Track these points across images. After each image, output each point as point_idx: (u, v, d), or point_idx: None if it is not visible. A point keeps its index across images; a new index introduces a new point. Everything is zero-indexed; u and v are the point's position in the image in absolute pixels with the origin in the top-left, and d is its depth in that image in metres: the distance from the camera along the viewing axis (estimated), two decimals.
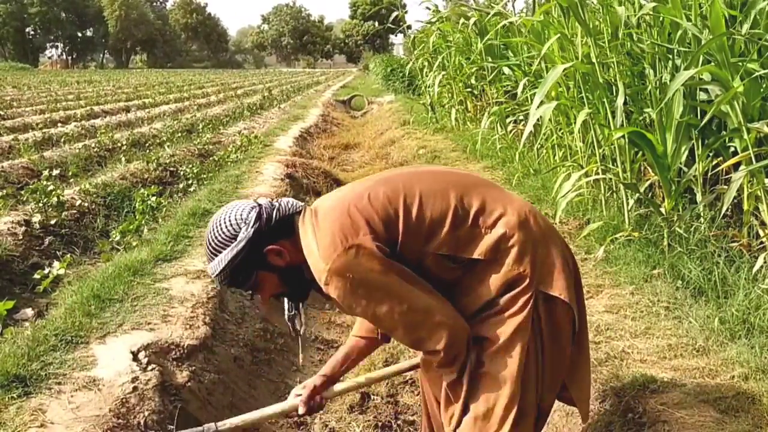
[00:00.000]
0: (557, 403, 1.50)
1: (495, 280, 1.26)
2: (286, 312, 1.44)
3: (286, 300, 1.43)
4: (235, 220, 1.29)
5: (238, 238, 1.27)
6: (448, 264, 1.27)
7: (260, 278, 1.31)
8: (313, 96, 16.29)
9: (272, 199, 1.36)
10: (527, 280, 1.25)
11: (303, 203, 1.35)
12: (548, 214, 3.47)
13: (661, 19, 2.97)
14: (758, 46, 2.51)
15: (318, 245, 1.23)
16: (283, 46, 74.90)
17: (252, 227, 1.27)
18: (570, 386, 1.39)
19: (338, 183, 5.45)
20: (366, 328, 1.51)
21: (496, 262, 1.25)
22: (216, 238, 1.29)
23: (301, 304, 1.45)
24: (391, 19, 8.78)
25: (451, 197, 1.27)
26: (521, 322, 1.24)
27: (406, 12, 8.98)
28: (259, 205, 1.32)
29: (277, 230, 1.29)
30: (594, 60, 3.15)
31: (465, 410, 1.28)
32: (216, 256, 1.29)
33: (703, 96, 2.87)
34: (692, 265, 2.47)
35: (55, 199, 3.75)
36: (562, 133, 4.21)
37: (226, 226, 1.29)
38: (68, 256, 3.09)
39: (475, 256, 1.25)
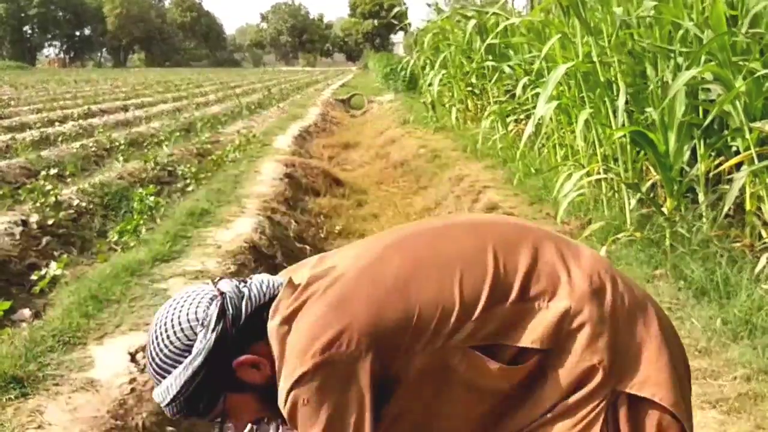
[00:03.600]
0: None
1: (560, 378, 0.86)
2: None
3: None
4: (187, 322, 0.88)
5: (194, 351, 0.87)
6: (484, 362, 0.86)
7: (230, 403, 0.91)
8: (313, 95, 16.27)
9: (239, 281, 0.93)
10: (601, 376, 0.85)
11: (281, 280, 0.93)
12: (549, 214, 3.46)
13: (661, 18, 2.96)
14: (760, 45, 2.50)
15: (290, 349, 0.85)
16: (282, 44, 74.87)
17: (212, 332, 0.86)
18: None
19: (338, 182, 5.44)
20: None
21: (558, 352, 0.86)
22: (161, 351, 0.88)
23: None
24: (392, 14, 8.77)
25: (489, 260, 0.88)
26: None
27: (406, 8, 8.99)
28: (222, 293, 0.90)
29: (248, 331, 0.88)
30: (595, 59, 3.13)
31: None
32: (162, 378, 0.88)
33: (704, 95, 2.86)
34: (694, 265, 2.47)
35: (53, 198, 3.73)
36: (564, 133, 4.20)
37: (175, 333, 0.88)
38: (66, 256, 3.06)
39: (526, 344, 0.85)
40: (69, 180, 5.06)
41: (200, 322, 0.88)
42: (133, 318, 2.14)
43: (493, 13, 5.11)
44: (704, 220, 2.74)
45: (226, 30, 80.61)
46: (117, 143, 6.71)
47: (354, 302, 0.85)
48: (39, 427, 1.53)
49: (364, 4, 63.84)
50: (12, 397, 1.63)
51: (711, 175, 2.85)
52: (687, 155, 2.82)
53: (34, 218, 3.61)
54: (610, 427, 0.85)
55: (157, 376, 0.90)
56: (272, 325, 0.88)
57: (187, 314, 0.89)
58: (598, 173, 3.33)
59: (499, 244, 0.91)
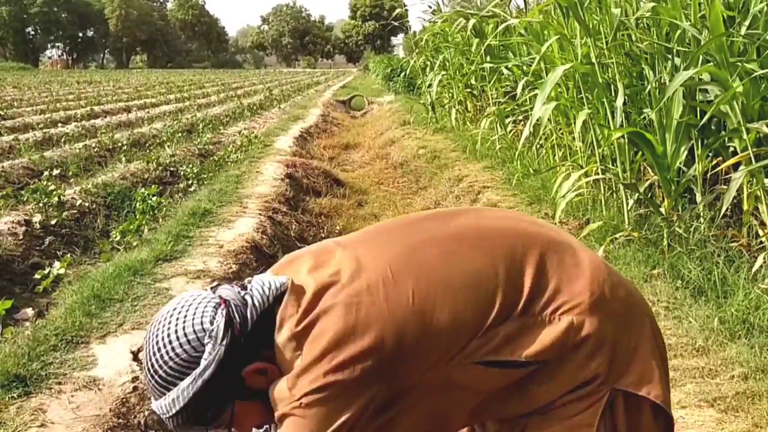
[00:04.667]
0: None
1: (559, 381, 0.90)
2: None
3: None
4: (193, 333, 0.84)
5: (203, 362, 0.83)
6: (488, 372, 0.88)
7: (237, 410, 0.89)
8: (313, 96, 16.29)
9: (238, 286, 0.90)
10: (599, 380, 0.90)
11: (283, 280, 0.89)
12: (548, 214, 3.47)
13: (659, 20, 2.97)
14: (756, 45, 2.51)
15: (300, 366, 0.83)
16: (283, 46, 74.91)
17: (221, 343, 0.83)
18: None
19: (338, 183, 5.46)
20: None
21: (560, 360, 0.89)
22: (165, 364, 0.84)
23: None
24: (393, 15, 8.79)
25: (499, 280, 0.88)
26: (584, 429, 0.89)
27: (406, 10, 9.01)
28: (225, 301, 0.86)
29: (256, 338, 0.86)
30: (593, 60, 3.15)
31: None
32: (166, 391, 0.85)
33: (702, 96, 2.87)
34: (692, 265, 2.48)
35: (56, 199, 3.76)
36: (562, 133, 4.21)
37: (180, 345, 0.83)
38: (68, 256, 3.09)
39: (529, 358, 0.88)
40: (72, 180, 5.09)
41: (207, 333, 0.84)
42: (136, 317, 2.16)
43: (492, 15, 5.13)
44: (702, 220, 2.75)
45: (227, 32, 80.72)
46: (120, 144, 6.74)
47: (368, 327, 0.83)
48: (42, 425, 1.54)
49: (365, 6, 63.89)
50: (15, 395, 1.64)
51: (708, 175, 2.86)
52: (684, 156, 2.83)
53: (37, 218, 3.64)
54: (607, 421, 0.90)
55: (159, 389, 0.85)
56: (281, 339, 0.86)
57: (192, 324, 0.84)
58: (597, 174, 3.34)
59: (508, 259, 0.90)
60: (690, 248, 2.61)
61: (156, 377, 0.85)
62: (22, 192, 4.02)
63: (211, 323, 0.84)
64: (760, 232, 2.50)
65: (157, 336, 0.85)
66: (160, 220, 3.62)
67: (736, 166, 2.62)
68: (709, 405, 1.73)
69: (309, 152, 7.14)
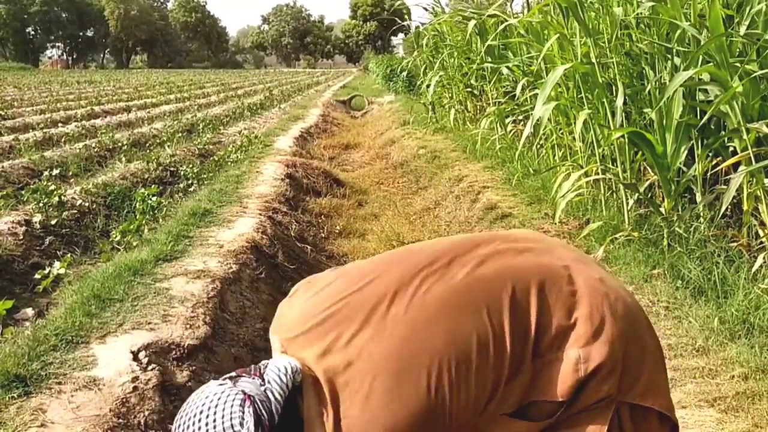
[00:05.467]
0: None
1: (574, 408, 0.92)
2: None
3: None
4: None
5: None
6: (514, 423, 0.92)
7: None
8: (314, 96, 16.29)
9: (256, 376, 0.91)
10: (611, 399, 0.92)
11: (297, 368, 0.92)
12: (548, 214, 3.47)
13: (659, 20, 2.97)
14: (756, 46, 2.51)
15: None
16: (283, 46, 74.91)
17: None
18: None
19: (338, 183, 5.46)
20: None
21: (577, 397, 0.92)
22: None
23: None
24: (395, 5, 8.74)
25: (506, 331, 0.91)
26: None
27: (407, 9, 8.99)
28: (249, 397, 0.88)
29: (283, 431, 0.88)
30: (593, 60, 3.15)
31: None
32: None
33: (702, 96, 2.87)
34: (692, 265, 2.48)
35: (56, 199, 3.76)
36: (562, 133, 4.21)
37: None
38: (69, 255, 3.08)
39: (555, 398, 0.90)
40: (72, 180, 5.09)
41: None
42: (136, 317, 2.16)
43: (492, 15, 5.13)
44: (702, 220, 2.75)
45: (228, 32, 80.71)
46: (120, 144, 6.74)
47: (392, 417, 0.85)
48: (42, 425, 1.54)
49: (365, 6, 63.88)
50: (15, 395, 1.64)
51: (708, 175, 2.86)
52: (684, 156, 2.83)
53: (37, 218, 3.64)
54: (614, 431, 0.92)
55: None
56: (306, 409, 0.88)
57: (222, 424, 0.85)
58: (597, 173, 3.34)
59: (510, 309, 0.92)
60: (690, 248, 2.61)
61: None
62: (23, 192, 4.02)
63: (241, 425, 0.85)
64: (760, 232, 2.50)
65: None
66: (160, 220, 3.62)
67: (736, 166, 2.62)
68: (709, 405, 1.73)
69: (309, 152, 7.14)
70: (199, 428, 0.86)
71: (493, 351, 0.89)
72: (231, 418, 0.85)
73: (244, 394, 0.87)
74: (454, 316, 0.92)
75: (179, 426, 0.88)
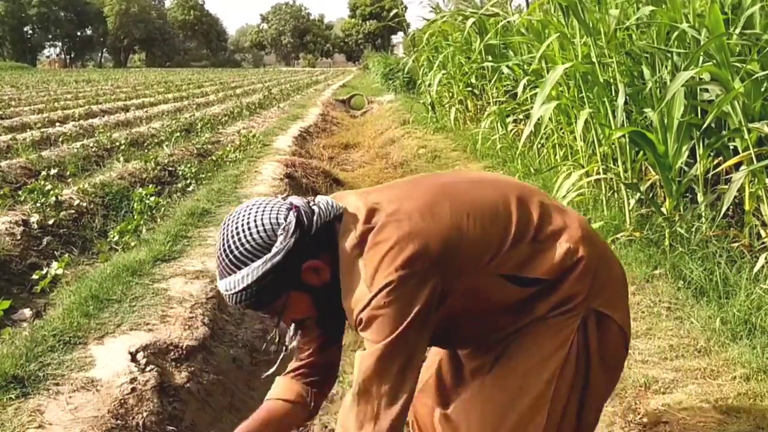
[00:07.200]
0: None
1: (551, 299, 1.09)
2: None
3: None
4: (270, 224, 1.01)
5: (274, 249, 1.00)
6: (507, 286, 1.08)
7: (291, 300, 1.05)
8: (313, 95, 16.27)
9: (308, 200, 1.08)
10: (581, 297, 1.10)
11: (341, 204, 1.08)
12: None
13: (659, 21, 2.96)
14: (757, 47, 2.51)
15: (365, 272, 1.01)
16: (282, 45, 74.89)
17: (292, 236, 1.00)
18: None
19: (338, 183, 5.44)
20: (290, 389, 1.18)
21: (559, 281, 1.09)
22: (241, 246, 1.00)
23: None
24: (390, 16, 8.76)
25: (513, 207, 1.10)
26: (561, 340, 1.09)
27: (405, 9, 9.00)
28: (296, 206, 1.04)
29: (318, 241, 1.03)
30: (594, 59, 3.14)
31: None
32: (237, 269, 1.00)
33: (703, 95, 2.86)
34: (693, 265, 2.47)
35: (53, 198, 3.74)
36: (563, 133, 4.20)
37: (257, 232, 1.00)
38: (66, 256, 3.07)
39: (539, 275, 1.08)
40: (70, 180, 5.07)
41: (281, 226, 1.01)
42: (134, 318, 2.15)
43: (492, 15, 5.12)
44: (703, 220, 2.74)
45: (226, 31, 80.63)
46: (117, 143, 6.72)
47: (417, 236, 1.01)
48: (39, 426, 1.53)
49: (365, 5, 63.89)
50: (12, 396, 1.63)
51: (710, 175, 2.85)
52: (686, 155, 2.82)
53: (34, 218, 3.62)
54: (580, 335, 1.11)
55: (230, 267, 1.01)
56: (344, 246, 1.04)
57: (269, 218, 1.02)
58: (598, 173, 3.34)
59: (518, 196, 1.12)
60: (692, 248, 2.60)
61: (231, 256, 1.01)
62: (20, 192, 4.00)
63: (285, 219, 1.02)
64: (762, 233, 2.50)
65: (236, 222, 1.03)
66: (159, 220, 3.61)
67: (737, 166, 2.62)
68: (711, 406, 1.72)
69: (308, 152, 7.13)
70: (249, 215, 1.03)
71: (502, 218, 1.08)
72: (278, 214, 1.02)
73: (292, 204, 1.05)
74: (479, 190, 1.14)
75: (231, 215, 1.04)
